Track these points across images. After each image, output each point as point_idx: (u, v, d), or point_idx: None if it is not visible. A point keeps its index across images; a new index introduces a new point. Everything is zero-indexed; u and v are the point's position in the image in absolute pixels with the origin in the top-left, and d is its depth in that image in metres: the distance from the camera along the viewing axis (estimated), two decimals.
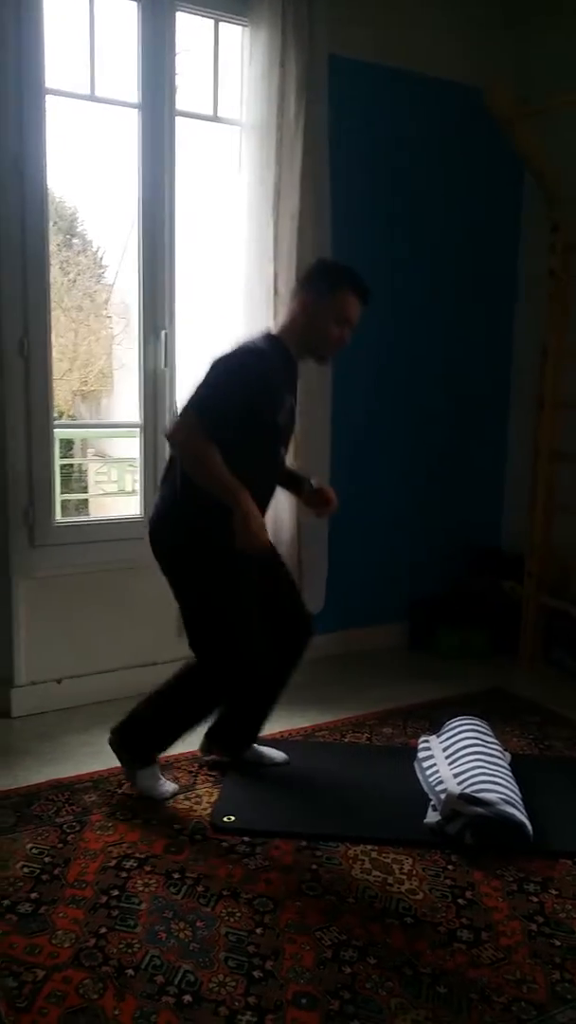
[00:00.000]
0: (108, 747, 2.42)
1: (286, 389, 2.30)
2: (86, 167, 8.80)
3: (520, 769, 2.47)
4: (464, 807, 2.18)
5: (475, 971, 1.75)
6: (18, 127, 2.69)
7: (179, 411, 2.16)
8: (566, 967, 1.76)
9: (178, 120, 3.00)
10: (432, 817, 2.27)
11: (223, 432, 2.11)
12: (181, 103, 3.01)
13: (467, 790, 2.21)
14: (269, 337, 2.31)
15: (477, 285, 3.83)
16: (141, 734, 2.41)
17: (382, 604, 3.78)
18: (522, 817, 2.18)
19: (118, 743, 2.42)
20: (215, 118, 3.14)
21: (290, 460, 2.62)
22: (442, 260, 3.69)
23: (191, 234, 3.29)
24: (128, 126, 2.99)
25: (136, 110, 2.94)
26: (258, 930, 1.85)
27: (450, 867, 2.11)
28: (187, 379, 3.21)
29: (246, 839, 2.19)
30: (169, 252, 3.05)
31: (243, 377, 2.15)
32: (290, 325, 2.32)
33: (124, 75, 2.95)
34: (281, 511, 3.15)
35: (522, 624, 3.66)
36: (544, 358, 3.51)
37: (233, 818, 2.28)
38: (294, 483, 2.52)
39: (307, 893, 1.98)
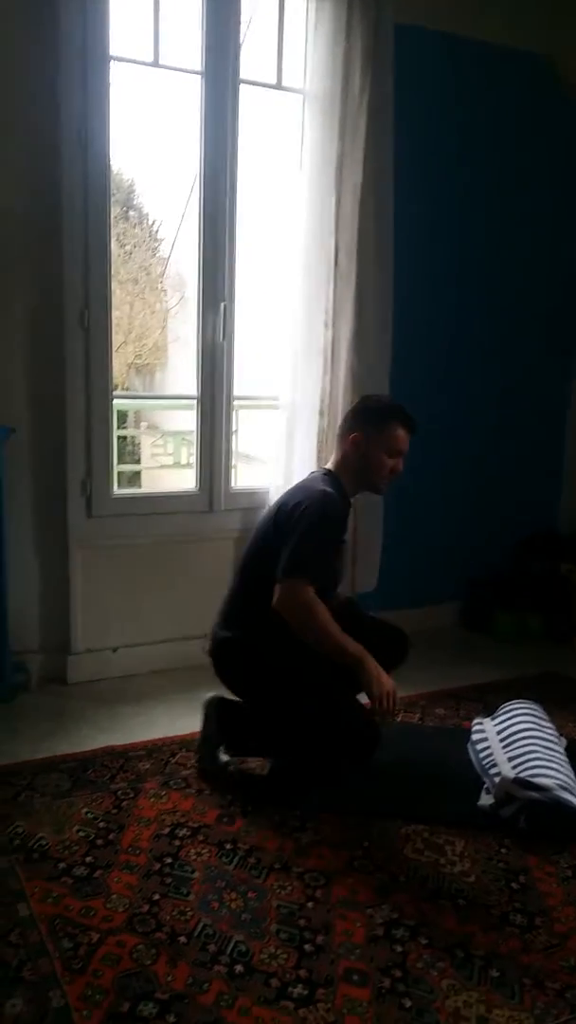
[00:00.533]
0: (162, 717, 2.44)
1: (344, 531, 2.36)
2: (144, 139, 8.77)
3: None
4: (519, 791, 2.15)
5: (528, 956, 1.73)
6: (83, 96, 2.68)
7: (278, 571, 2.14)
8: None
9: (241, 88, 2.95)
10: (486, 800, 2.25)
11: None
12: (245, 71, 2.96)
13: (522, 774, 2.18)
14: (331, 477, 2.35)
15: (540, 258, 3.72)
16: (242, 723, 2.40)
17: (436, 584, 3.74)
18: None
19: (222, 715, 2.40)
20: (279, 86, 3.09)
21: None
22: (506, 234, 3.59)
23: (251, 204, 3.25)
24: (189, 95, 2.96)
25: (199, 77, 2.90)
26: (309, 904, 1.85)
27: (503, 851, 2.09)
28: (244, 352, 3.19)
29: (298, 813, 2.19)
30: (230, 221, 3.02)
31: (331, 529, 2.24)
32: (343, 463, 2.38)
33: (187, 42, 2.91)
34: None
35: None
36: None
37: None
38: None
39: (359, 870, 1.98)
